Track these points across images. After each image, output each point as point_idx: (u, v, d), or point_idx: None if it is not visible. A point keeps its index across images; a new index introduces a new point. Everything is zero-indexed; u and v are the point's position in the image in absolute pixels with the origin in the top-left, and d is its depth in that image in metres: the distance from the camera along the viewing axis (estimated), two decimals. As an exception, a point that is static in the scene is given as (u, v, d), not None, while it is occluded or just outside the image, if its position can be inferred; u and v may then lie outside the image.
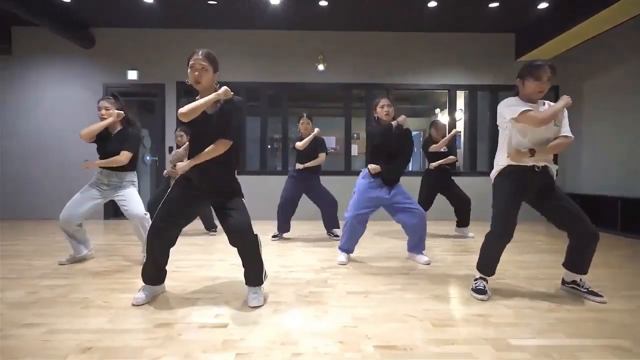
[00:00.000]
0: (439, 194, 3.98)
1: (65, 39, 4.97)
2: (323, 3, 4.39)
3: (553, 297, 2.01)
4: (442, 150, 3.87)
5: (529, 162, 1.95)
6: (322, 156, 3.69)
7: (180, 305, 1.84)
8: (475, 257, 2.95)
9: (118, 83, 5.29)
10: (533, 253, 3.18)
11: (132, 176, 2.72)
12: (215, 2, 4.41)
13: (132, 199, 2.63)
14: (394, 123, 2.69)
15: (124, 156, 2.57)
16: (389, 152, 2.74)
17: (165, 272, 2.00)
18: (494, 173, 2.10)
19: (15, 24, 5.14)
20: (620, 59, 4.57)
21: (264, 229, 4.39)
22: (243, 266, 1.90)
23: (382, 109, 2.75)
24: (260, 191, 5.34)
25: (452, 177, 3.99)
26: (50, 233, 4.02)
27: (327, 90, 5.70)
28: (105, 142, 2.61)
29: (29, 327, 1.57)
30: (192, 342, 1.45)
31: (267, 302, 1.90)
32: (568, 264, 2.08)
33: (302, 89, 5.60)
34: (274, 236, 3.82)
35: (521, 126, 1.93)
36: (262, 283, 1.94)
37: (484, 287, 2.04)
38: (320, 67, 5.38)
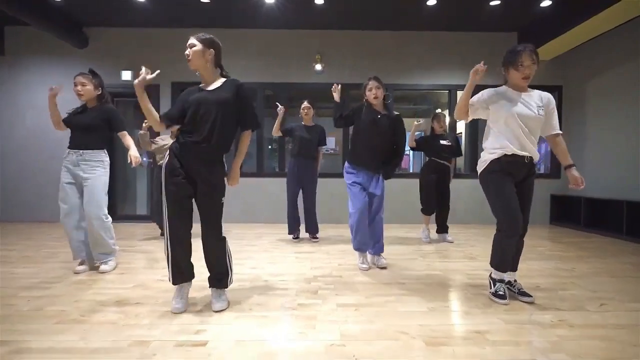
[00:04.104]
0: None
1: (58, 39, 4.91)
2: (320, 1, 4.28)
3: (555, 311, 1.90)
4: (445, 143, 3.77)
5: (519, 152, 1.95)
6: (321, 150, 3.86)
7: (161, 319, 1.75)
8: (476, 264, 2.89)
9: (112, 84, 5.19)
10: (535, 260, 3.06)
11: (103, 155, 2.61)
12: (208, 1, 4.32)
13: (95, 191, 2.50)
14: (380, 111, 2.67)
15: (126, 137, 2.64)
16: (374, 140, 2.65)
17: (193, 265, 1.96)
18: (486, 157, 2.05)
19: (7, 23, 5.08)
20: (625, 57, 4.43)
21: (261, 232, 4.30)
22: (207, 268, 1.93)
23: (370, 92, 2.64)
24: (258, 194, 5.25)
25: (451, 178, 3.87)
26: (44, 237, 3.94)
27: (325, 91, 5.59)
28: (79, 115, 2.56)
29: (-4, 344, 1.48)
30: (166, 363, 1.36)
31: (253, 315, 1.80)
32: None
33: (300, 89, 5.49)
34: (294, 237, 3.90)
35: (495, 117, 2.02)
36: (226, 287, 1.95)
37: (504, 291, 2.04)
38: (318, 67, 5.27)
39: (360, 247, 2.75)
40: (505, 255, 2.03)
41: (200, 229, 1.87)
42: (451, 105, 5.49)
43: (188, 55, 1.82)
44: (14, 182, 5.16)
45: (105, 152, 2.65)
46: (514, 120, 1.93)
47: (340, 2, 4.45)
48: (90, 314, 1.80)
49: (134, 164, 2.59)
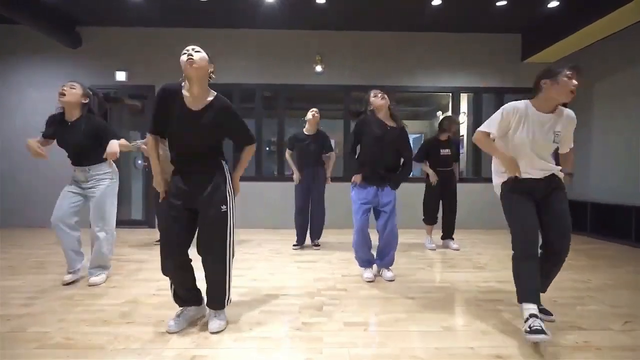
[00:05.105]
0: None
1: (50, 38, 4.73)
2: (320, 1, 4.15)
3: (578, 331, 1.77)
4: (445, 153, 3.66)
5: (526, 176, 1.78)
6: (332, 155, 3.85)
7: (153, 342, 1.60)
8: (486, 274, 2.77)
9: (106, 84, 5.04)
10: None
11: (107, 167, 2.45)
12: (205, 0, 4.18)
13: (104, 206, 2.38)
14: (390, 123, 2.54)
15: (115, 145, 2.37)
16: (378, 155, 2.52)
17: (199, 291, 1.85)
18: (497, 182, 1.91)
19: (-3, 22, 4.90)
20: (632, 60, 4.34)
21: (261, 239, 4.14)
22: (206, 284, 1.77)
23: (376, 97, 2.50)
24: (257, 199, 5.11)
25: (456, 183, 3.77)
26: (33, 244, 3.77)
27: (325, 92, 5.47)
28: (65, 134, 2.37)
29: (-32, 375, 1.33)
30: (158, 398, 1.21)
31: (254, 337, 1.66)
32: None
33: (299, 90, 5.36)
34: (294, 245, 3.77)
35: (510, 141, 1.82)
36: (223, 307, 1.79)
37: (541, 325, 1.57)
38: (318, 68, 5.14)
39: (362, 265, 2.66)
40: (526, 283, 1.73)
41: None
42: (453, 108, 5.38)
43: (192, 58, 1.55)
44: (4, 185, 4.98)
45: (110, 162, 2.49)
46: (526, 145, 1.75)
47: (341, 2, 4.33)
48: (75, 337, 1.64)
49: (107, 157, 2.31)
